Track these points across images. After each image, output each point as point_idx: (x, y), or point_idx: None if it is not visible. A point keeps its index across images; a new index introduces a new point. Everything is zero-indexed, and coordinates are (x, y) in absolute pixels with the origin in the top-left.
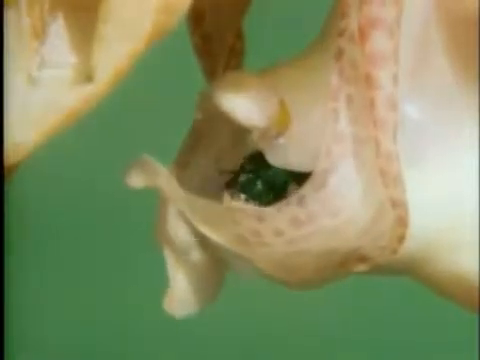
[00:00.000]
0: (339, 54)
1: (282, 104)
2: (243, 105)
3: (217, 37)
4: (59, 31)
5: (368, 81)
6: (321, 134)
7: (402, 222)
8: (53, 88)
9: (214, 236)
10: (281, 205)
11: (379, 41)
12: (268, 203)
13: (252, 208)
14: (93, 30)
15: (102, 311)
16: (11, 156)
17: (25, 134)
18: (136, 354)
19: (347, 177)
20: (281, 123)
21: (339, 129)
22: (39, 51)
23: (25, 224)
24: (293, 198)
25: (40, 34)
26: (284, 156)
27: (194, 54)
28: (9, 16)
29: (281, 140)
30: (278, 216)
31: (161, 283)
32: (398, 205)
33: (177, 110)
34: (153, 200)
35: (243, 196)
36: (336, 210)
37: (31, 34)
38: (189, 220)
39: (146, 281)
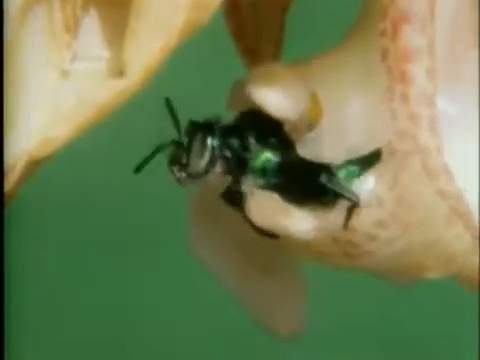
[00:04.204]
0: (384, 54)
1: (314, 97)
2: (275, 97)
3: (255, 25)
4: (91, 25)
5: (402, 76)
6: (355, 128)
7: (455, 212)
8: (85, 82)
9: (329, 264)
10: (362, 209)
11: (411, 35)
12: (186, 164)
13: (337, 220)
14: (125, 24)
15: (103, 312)
16: (42, 150)
17: (57, 128)
18: (136, 355)
19: (416, 171)
20: (313, 116)
21: (399, 127)
22: (71, 45)
23: (25, 224)
24: (373, 200)
25: (72, 28)
26: (316, 150)
27: (230, 37)
28: (41, 10)
29: (313, 134)
30: (364, 222)
31: (162, 284)
32: (448, 197)
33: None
34: (152, 197)
35: (177, 169)
36: (413, 204)
37: (63, 28)
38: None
39: (147, 282)
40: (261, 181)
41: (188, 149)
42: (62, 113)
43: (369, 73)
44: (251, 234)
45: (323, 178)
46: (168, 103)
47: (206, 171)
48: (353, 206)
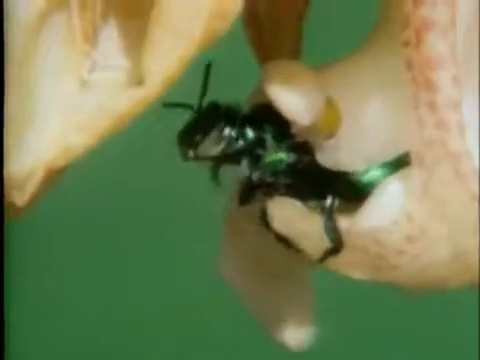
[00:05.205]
0: (409, 63)
1: (331, 103)
2: (291, 99)
3: (272, 33)
4: (111, 35)
5: (427, 84)
6: (376, 135)
7: None
8: (104, 91)
9: (354, 275)
10: (391, 225)
11: (434, 43)
12: (197, 144)
13: (369, 232)
14: (145, 34)
15: (103, 311)
16: (61, 159)
17: (75, 137)
18: (137, 355)
19: (445, 179)
20: (330, 123)
21: (426, 136)
22: (90, 55)
23: (25, 224)
24: (402, 217)
25: (91, 38)
26: (335, 157)
27: (249, 45)
28: (60, 19)
29: (332, 141)
30: (394, 237)
31: (162, 282)
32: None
33: None
34: (149, 191)
35: (186, 145)
36: (442, 215)
37: (82, 37)
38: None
39: (147, 280)
40: (269, 179)
41: (205, 131)
42: (81, 122)
43: (392, 80)
44: (272, 249)
45: (327, 202)
46: (208, 68)
47: (214, 157)
48: (332, 250)
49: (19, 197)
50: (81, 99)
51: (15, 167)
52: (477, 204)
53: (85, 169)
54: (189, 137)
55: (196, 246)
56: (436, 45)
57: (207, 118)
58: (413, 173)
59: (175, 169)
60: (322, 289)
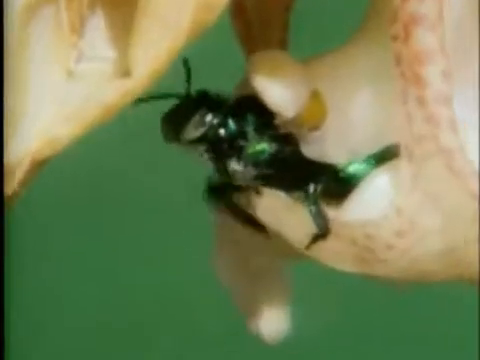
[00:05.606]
0: (398, 58)
1: (317, 95)
2: (276, 91)
3: (260, 26)
4: (98, 25)
5: (416, 79)
6: (363, 129)
7: None
8: (91, 82)
9: (341, 266)
10: (381, 220)
11: (423, 37)
12: (179, 127)
13: (357, 225)
14: (132, 25)
15: (102, 309)
16: (47, 150)
17: (63, 128)
18: (137, 354)
19: (437, 174)
20: (316, 115)
21: (416, 131)
22: (77, 45)
23: (25, 222)
24: (391, 211)
25: (78, 28)
26: (320, 149)
27: (236, 39)
28: (48, 10)
29: (317, 133)
30: (383, 231)
31: (161, 283)
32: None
33: None
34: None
35: (168, 126)
36: (434, 210)
37: (69, 28)
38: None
39: (147, 278)
40: (251, 170)
41: (187, 115)
42: (67, 113)
43: (381, 73)
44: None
45: (310, 188)
46: (185, 63)
47: (194, 142)
48: (319, 236)
49: (8, 187)
50: (68, 90)
51: (11, 158)
52: (477, 202)
53: (79, 158)
54: (172, 120)
55: (189, 235)
56: (425, 39)
57: (192, 103)
58: (402, 166)
59: (168, 161)
60: (320, 286)
